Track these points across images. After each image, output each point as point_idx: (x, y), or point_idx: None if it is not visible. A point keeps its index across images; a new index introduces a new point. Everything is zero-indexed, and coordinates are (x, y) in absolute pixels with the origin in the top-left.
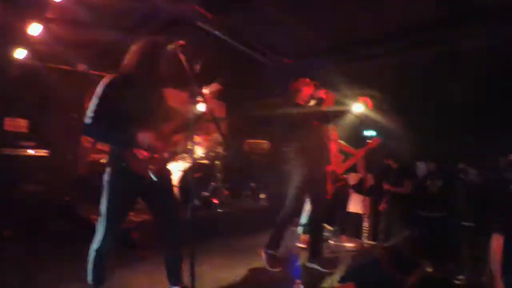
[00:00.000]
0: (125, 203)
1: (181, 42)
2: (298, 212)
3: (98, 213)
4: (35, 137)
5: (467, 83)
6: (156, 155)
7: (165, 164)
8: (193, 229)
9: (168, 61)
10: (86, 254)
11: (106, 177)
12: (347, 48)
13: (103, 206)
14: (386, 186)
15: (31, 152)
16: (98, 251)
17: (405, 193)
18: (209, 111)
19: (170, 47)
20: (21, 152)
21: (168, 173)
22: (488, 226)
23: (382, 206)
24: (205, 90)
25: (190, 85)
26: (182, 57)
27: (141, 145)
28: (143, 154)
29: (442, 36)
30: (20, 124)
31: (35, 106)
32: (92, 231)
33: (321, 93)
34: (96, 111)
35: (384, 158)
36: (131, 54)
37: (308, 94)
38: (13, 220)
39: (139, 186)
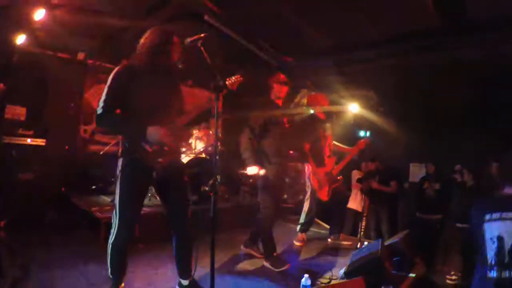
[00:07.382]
0: (137, 195)
1: (202, 35)
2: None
3: (95, 204)
4: (33, 125)
5: (465, 88)
6: (166, 148)
7: (176, 157)
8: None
9: (188, 54)
10: (82, 246)
11: (118, 169)
12: (346, 49)
13: (117, 198)
14: (374, 185)
15: (28, 141)
16: (114, 244)
17: (392, 193)
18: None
19: (190, 39)
20: (17, 140)
21: (180, 166)
22: None
23: (367, 204)
24: (227, 82)
25: (213, 79)
26: (203, 50)
27: (151, 139)
28: (152, 147)
29: (441, 44)
30: (18, 112)
31: (34, 94)
32: (88, 222)
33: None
34: (106, 101)
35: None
36: (141, 44)
37: (283, 92)
38: (8, 210)
39: (150, 179)
